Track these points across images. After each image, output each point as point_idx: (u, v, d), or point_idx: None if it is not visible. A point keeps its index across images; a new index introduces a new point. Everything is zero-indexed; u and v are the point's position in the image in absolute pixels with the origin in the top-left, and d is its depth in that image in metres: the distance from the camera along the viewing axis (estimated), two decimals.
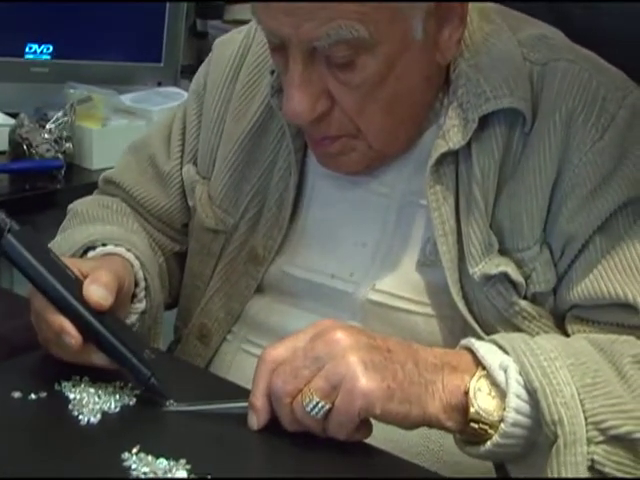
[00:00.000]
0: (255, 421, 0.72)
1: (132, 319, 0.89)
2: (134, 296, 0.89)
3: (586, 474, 0.69)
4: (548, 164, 0.83)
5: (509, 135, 0.84)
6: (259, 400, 0.71)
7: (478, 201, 0.84)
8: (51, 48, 1.83)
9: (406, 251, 0.89)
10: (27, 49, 1.82)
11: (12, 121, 1.65)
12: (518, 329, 0.84)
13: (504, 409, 0.70)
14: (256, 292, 0.96)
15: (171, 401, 0.74)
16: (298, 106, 0.80)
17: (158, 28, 1.99)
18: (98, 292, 0.75)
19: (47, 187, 1.59)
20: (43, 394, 0.75)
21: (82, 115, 1.69)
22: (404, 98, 0.83)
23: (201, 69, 1.06)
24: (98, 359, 0.76)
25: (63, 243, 0.92)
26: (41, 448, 0.68)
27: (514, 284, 0.84)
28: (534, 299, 0.85)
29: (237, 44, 1.01)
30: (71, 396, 0.74)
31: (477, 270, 0.83)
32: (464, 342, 0.75)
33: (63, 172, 1.62)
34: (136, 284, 0.89)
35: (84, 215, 1.01)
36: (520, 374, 0.70)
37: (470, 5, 0.84)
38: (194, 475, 0.64)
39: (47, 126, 1.63)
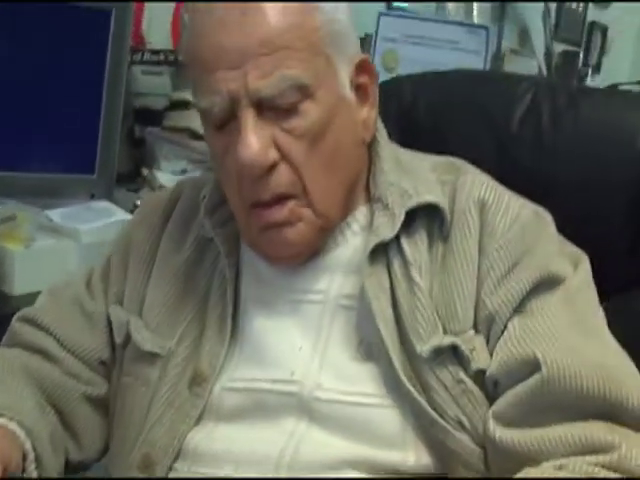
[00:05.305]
0: None
1: None
2: (23, 470, 0.84)
3: None
4: (472, 251, 0.90)
5: (430, 230, 0.92)
6: None
7: (418, 283, 0.89)
8: None
9: (342, 350, 0.91)
10: None
11: None
12: (463, 412, 0.86)
13: None
14: (195, 423, 0.93)
15: None
16: (252, 149, 0.84)
17: (91, 137, 1.88)
18: None
19: None
20: None
21: (4, 235, 1.56)
22: (342, 156, 0.90)
23: (128, 222, 1.09)
24: None
25: None
26: None
27: (461, 358, 0.87)
28: (477, 378, 0.87)
29: (168, 193, 1.07)
30: None
31: (426, 348, 0.87)
32: None
33: None
34: (24, 457, 0.84)
35: None
36: None
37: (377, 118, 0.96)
38: None
39: None
